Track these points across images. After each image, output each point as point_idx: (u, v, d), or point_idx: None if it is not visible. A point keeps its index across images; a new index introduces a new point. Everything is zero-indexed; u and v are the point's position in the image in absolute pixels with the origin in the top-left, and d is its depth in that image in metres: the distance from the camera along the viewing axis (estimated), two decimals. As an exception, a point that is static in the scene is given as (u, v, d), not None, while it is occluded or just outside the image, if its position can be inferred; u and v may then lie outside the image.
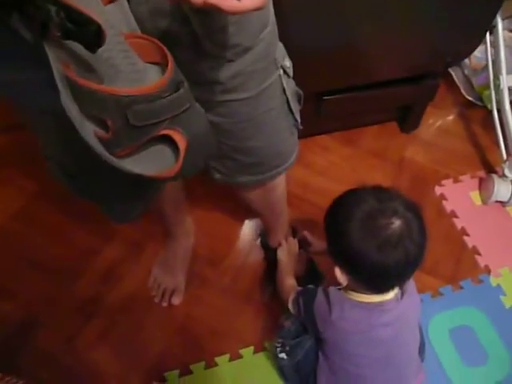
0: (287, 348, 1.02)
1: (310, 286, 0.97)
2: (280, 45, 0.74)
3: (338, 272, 0.82)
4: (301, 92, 0.83)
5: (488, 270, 1.30)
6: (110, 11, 0.44)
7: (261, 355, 1.17)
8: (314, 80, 1.24)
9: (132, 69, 0.45)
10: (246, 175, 0.85)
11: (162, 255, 1.29)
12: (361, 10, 1.07)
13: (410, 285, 0.90)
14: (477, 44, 1.29)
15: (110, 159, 0.48)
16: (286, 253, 1.19)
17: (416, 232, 0.76)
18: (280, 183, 1.00)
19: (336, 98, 1.34)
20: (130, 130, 0.46)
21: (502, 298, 1.25)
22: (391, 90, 1.37)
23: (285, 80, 0.75)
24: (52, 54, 0.42)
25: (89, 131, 0.46)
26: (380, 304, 0.84)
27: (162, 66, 0.48)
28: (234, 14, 0.41)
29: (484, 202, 1.42)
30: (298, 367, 1.01)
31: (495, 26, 1.29)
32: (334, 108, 1.38)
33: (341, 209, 0.81)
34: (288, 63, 0.76)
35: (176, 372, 1.15)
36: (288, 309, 1.01)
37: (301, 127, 0.87)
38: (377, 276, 0.79)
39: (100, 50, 0.41)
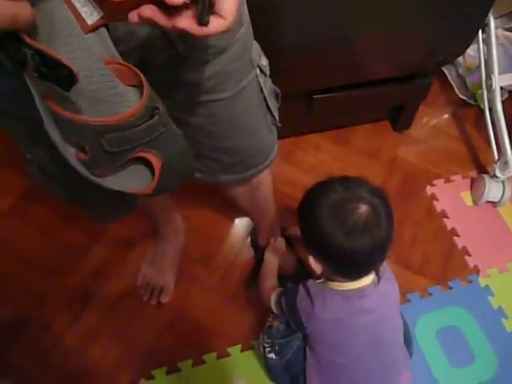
0: (276, 348, 1.03)
1: (290, 284, 0.98)
2: (255, 44, 0.74)
3: (311, 261, 0.86)
4: (278, 90, 0.83)
5: (477, 271, 1.30)
6: (91, 39, 0.46)
7: (248, 353, 1.17)
8: (304, 79, 1.24)
9: (113, 92, 0.47)
10: (226, 174, 0.86)
11: (151, 253, 1.30)
12: (352, 8, 1.07)
13: (387, 271, 0.92)
14: (468, 43, 1.28)
15: (91, 178, 0.51)
16: (273, 253, 1.20)
17: (383, 217, 0.79)
18: (265, 181, 1.01)
19: (326, 97, 1.33)
20: (105, 154, 0.48)
21: (490, 298, 1.25)
22: (383, 89, 1.36)
23: (262, 79, 0.75)
24: (32, 84, 0.45)
25: (71, 153, 0.49)
26: (359, 290, 0.86)
27: (141, 88, 0.50)
28: (202, 37, 0.43)
29: (475, 202, 1.42)
30: (288, 366, 1.02)
31: (487, 25, 1.28)
32: (325, 107, 1.38)
33: (311, 198, 0.85)
34: (264, 62, 0.76)
35: (164, 369, 1.16)
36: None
37: (279, 125, 0.87)
38: (347, 261, 0.82)
39: (82, 76, 0.43)
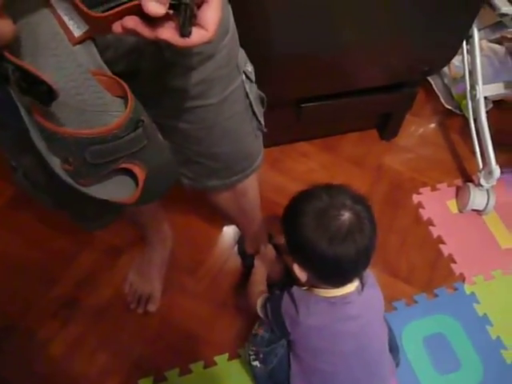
0: (261, 356, 1.03)
1: (277, 291, 0.99)
2: (241, 50, 0.75)
3: (296, 268, 0.86)
4: (263, 95, 0.85)
5: (463, 278, 1.31)
6: (79, 51, 0.47)
7: (235, 362, 1.17)
8: (292, 87, 1.25)
9: (101, 102, 0.48)
10: (213, 180, 0.87)
11: (138, 261, 1.29)
12: (338, 18, 1.08)
13: (370, 277, 0.93)
14: (453, 54, 1.30)
15: (76, 187, 0.52)
16: (262, 260, 1.20)
17: (365, 224, 0.80)
18: (250, 188, 1.01)
19: (314, 105, 1.34)
20: (88, 166, 0.49)
21: (475, 305, 1.26)
22: (369, 97, 1.38)
23: (247, 85, 0.76)
24: (17, 97, 0.45)
25: (56, 163, 0.50)
26: (343, 297, 0.87)
27: (126, 100, 0.51)
28: (183, 48, 0.44)
29: (460, 210, 1.44)
30: (272, 375, 1.02)
31: (472, 36, 1.31)
32: (313, 115, 1.39)
33: (295, 205, 0.86)
34: (250, 68, 0.77)
35: (150, 379, 1.15)
36: (260, 317, 1.03)
37: (265, 130, 0.88)
38: (331, 268, 0.83)
39: (69, 86, 0.45)
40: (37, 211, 1.37)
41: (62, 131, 0.46)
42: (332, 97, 1.34)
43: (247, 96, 0.78)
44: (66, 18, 0.44)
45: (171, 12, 0.41)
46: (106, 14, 0.43)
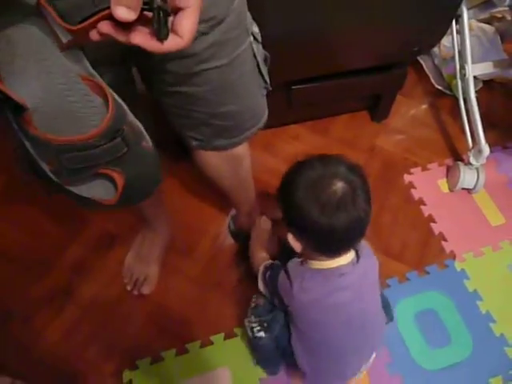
0: (265, 325, 1.03)
1: (277, 262, 1.00)
2: (248, 13, 0.77)
3: (290, 238, 0.86)
4: (268, 54, 0.87)
5: (453, 256, 1.33)
6: (67, 56, 0.49)
7: (231, 341, 1.19)
8: (283, 70, 1.25)
9: (91, 105, 0.49)
10: (221, 139, 0.89)
11: (138, 244, 1.30)
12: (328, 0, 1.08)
13: (366, 248, 0.93)
14: (442, 34, 1.31)
15: (60, 184, 0.54)
16: (258, 231, 1.21)
17: (358, 194, 0.79)
18: (246, 156, 1.03)
19: (305, 87, 1.35)
20: (65, 170, 0.50)
21: (465, 282, 1.28)
22: (360, 79, 1.39)
23: (255, 45, 0.79)
24: None
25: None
26: (337, 269, 0.87)
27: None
28: (156, 53, 0.44)
29: (451, 189, 1.45)
30: (277, 342, 1.03)
31: (461, 16, 1.31)
32: (304, 97, 1.39)
33: (290, 175, 0.85)
34: (256, 29, 0.80)
35: (147, 359, 1.16)
36: (258, 288, 1.04)
37: (270, 88, 0.91)
38: (324, 237, 0.82)
39: (59, 89, 0.47)
40: (29, 200, 1.37)
41: (40, 135, 0.47)
42: (322, 78, 1.34)
43: (255, 56, 0.80)
44: (53, 25, 0.46)
45: (150, 15, 0.41)
46: (80, 26, 0.43)
